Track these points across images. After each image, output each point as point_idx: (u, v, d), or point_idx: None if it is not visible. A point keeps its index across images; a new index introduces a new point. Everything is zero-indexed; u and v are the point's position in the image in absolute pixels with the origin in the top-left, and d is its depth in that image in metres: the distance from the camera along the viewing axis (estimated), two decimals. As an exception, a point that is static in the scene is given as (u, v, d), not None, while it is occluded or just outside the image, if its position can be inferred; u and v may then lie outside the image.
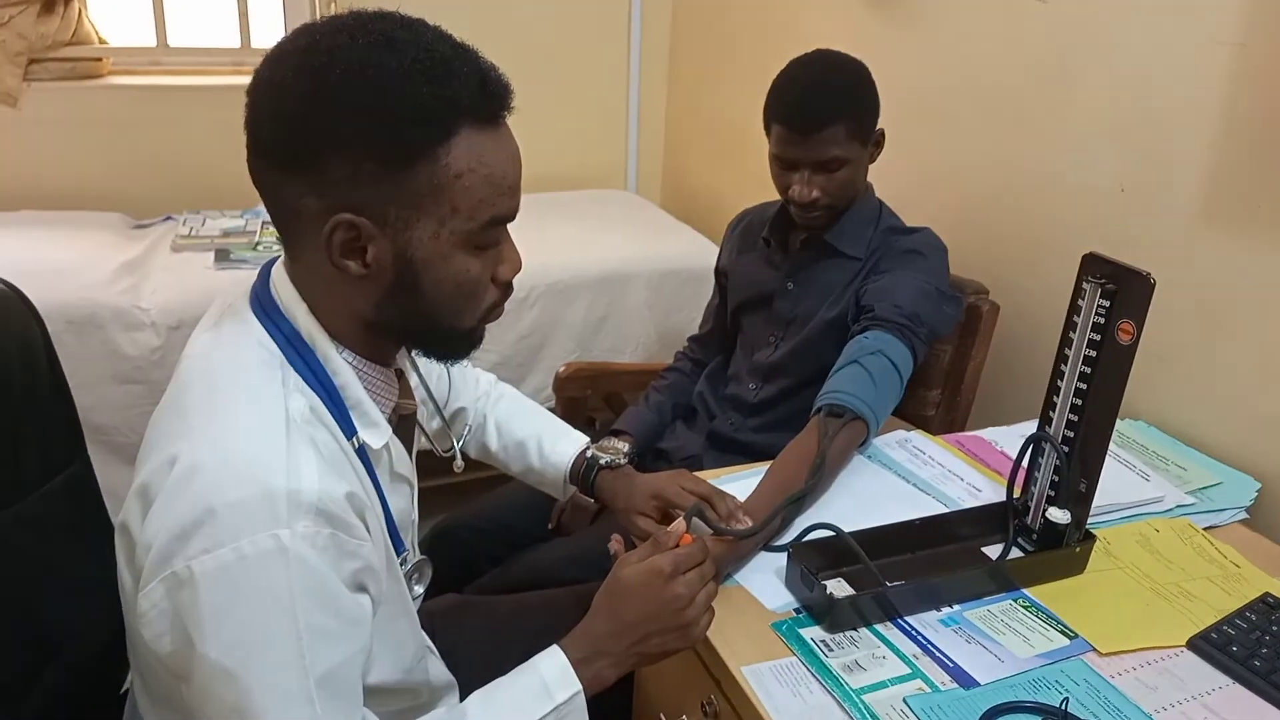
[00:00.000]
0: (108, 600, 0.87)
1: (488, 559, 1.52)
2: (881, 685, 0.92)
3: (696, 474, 1.18)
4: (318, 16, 1.11)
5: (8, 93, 2.41)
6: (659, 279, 2.35)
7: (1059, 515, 1.09)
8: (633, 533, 1.12)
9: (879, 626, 1.01)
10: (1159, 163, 1.45)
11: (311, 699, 0.73)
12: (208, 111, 2.54)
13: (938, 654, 0.97)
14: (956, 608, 1.04)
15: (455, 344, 0.90)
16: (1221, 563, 1.15)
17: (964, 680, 0.94)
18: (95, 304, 1.93)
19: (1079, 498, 1.09)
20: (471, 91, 0.77)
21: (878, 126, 1.48)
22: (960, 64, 1.81)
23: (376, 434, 0.86)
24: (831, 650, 0.97)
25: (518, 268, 0.88)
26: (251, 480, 0.73)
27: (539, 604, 1.26)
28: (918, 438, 1.41)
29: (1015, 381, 1.70)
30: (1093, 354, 1.04)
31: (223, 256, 2.19)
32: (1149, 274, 0.98)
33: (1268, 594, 1.08)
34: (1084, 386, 1.06)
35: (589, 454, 1.23)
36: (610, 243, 2.45)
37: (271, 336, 0.82)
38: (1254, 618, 1.03)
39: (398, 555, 0.89)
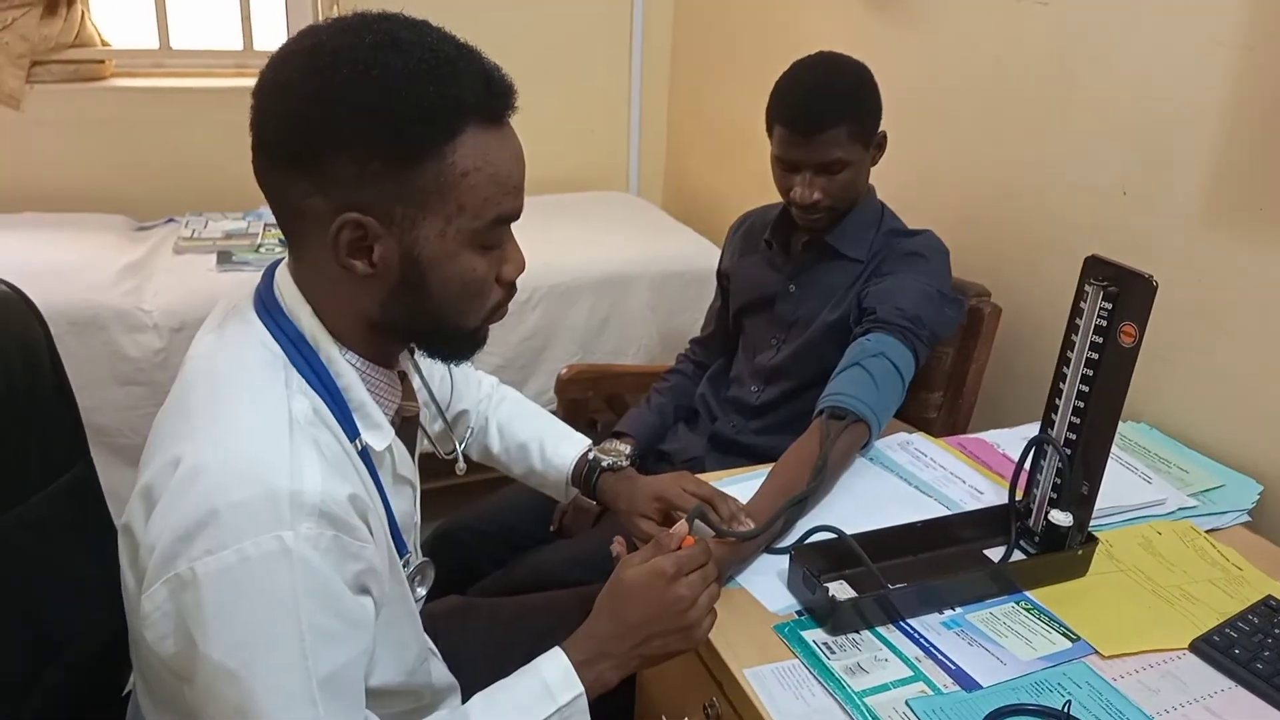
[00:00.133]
0: (109, 601, 0.87)
1: (490, 561, 1.52)
2: (884, 688, 0.92)
3: (698, 476, 1.18)
4: (320, 19, 1.11)
5: (11, 95, 2.41)
6: (661, 281, 2.35)
7: (1061, 518, 1.09)
8: (635, 535, 1.12)
9: (881, 629, 1.01)
10: (1161, 164, 1.45)
11: (314, 700, 0.74)
12: (210, 113, 2.55)
13: (940, 656, 0.97)
14: (959, 610, 1.04)
15: (460, 344, 0.90)
16: (1224, 565, 1.15)
17: (966, 683, 0.94)
18: (98, 305, 1.94)
19: (1081, 500, 1.09)
20: (476, 90, 0.78)
21: (880, 129, 1.48)
22: (961, 65, 1.81)
23: (379, 436, 0.87)
24: (833, 653, 0.97)
25: (522, 267, 0.88)
26: (255, 482, 0.73)
27: (541, 606, 1.26)
28: (920, 440, 1.41)
29: (1017, 384, 1.70)
30: (1095, 356, 1.04)
31: (225, 258, 2.19)
32: (1151, 276, 0.98)
33: (1270, 596, 1.08)
34: (1086, 389, 1.05)
35: (591, 456, 1.23)
36: (612, 245, 2.45)
37: (275, 338, 0.82)
38: (1256, 620, 1.03)
39: (400, 557, 0.89)
